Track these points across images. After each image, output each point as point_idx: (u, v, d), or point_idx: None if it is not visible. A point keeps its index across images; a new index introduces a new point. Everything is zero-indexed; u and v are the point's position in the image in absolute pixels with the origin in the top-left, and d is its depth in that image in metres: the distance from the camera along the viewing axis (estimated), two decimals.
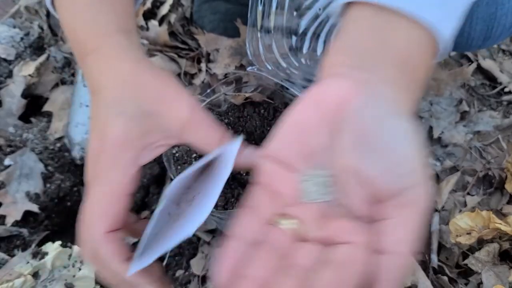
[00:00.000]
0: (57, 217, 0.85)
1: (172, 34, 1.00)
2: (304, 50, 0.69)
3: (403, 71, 0.33)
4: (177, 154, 0.66)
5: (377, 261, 0.29)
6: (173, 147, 0.67)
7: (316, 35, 0.68)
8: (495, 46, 1.01)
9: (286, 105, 0.69)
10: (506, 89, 0.95)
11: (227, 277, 0.30)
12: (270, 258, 0.31)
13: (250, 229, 0.32)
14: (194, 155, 0.66)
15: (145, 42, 1.01)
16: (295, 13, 0.66)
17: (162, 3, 1.01)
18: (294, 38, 0.69)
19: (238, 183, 0.64)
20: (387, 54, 0.33)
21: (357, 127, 0.31)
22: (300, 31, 0.68)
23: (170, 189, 0.37)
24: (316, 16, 0.66)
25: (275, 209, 0.33)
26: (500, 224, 0.65)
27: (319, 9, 0.65)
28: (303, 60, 0.69)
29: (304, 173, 0.33)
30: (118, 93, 0.38)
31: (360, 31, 0.34)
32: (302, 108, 0.34)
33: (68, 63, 1.03)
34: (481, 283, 0.66)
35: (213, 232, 0.76)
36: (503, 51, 1.02)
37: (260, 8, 0.68)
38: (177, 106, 0.38)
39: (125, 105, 0.37)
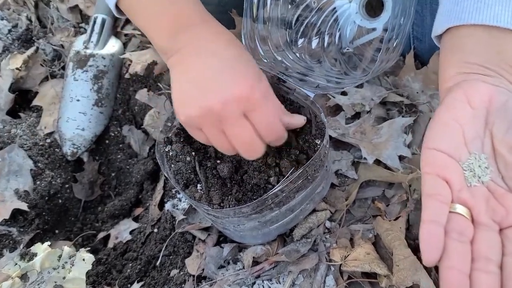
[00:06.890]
0: (47, 215, 0.83)
1: None
2: (299, 44, 0.67)
3: None
4: (170, 153, 0.64)
5: None
6: (167, 145, 0.64)
7: (310, 28, 0.66)
8: None
9: (282, 98, 0.66)
10: None
11: (435, 258, 0.36)
12: (463, 246, 0.37)
13: (441, 214, 0.38)
14: (187, 152, 0.64)
15: (138, 33, 0.98)
16: (289, 6, 0.64)
17: None
18: (288, 31, 0.66)
19: (235, 182, 0.62)
20: (503, 61, 0.43)
21: (507, 115, 0.40)
22: (295, 23, 0.66)
23: None
24: (311, 8, 0.64)
25: (451, 195, 0.40)
26: None
27: (314, 1, 0.62)
28: (297, 54, 0.67)
29: (466, 159, 0.41)
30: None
31: (477, 46, 0.44)
32: (454, 106, 0.42)
33: (58, 56, 1.00)
34: None
35: (208, 230, 0.74)
36: None
37: None
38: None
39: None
